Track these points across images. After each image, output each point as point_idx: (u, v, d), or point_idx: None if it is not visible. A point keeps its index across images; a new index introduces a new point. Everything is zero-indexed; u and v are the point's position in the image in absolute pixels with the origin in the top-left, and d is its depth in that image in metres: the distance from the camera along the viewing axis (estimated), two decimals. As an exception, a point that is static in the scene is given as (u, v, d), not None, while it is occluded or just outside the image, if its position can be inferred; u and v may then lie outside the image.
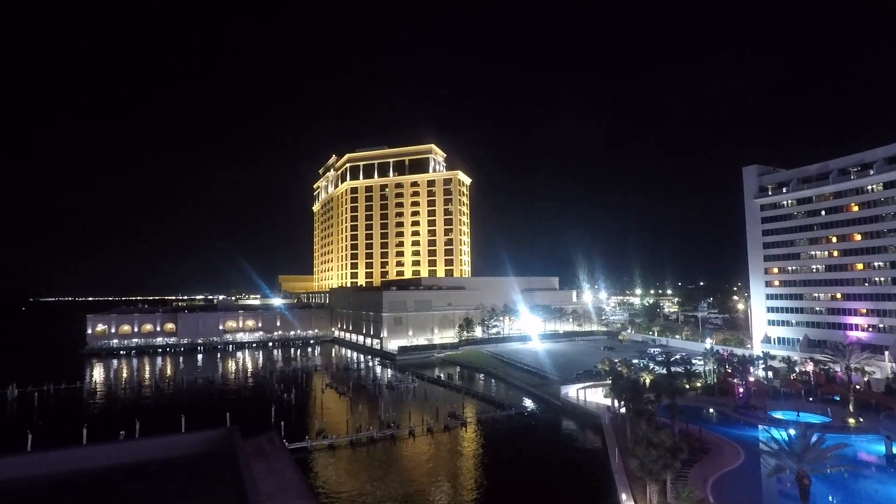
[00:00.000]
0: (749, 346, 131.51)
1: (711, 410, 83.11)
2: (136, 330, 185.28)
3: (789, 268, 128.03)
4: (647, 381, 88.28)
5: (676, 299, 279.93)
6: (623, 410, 72.00)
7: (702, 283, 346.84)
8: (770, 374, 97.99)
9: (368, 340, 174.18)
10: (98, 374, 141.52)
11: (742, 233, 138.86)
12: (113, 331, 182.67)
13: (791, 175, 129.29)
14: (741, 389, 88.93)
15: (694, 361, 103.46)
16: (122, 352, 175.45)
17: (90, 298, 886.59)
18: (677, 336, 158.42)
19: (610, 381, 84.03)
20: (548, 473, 63.31)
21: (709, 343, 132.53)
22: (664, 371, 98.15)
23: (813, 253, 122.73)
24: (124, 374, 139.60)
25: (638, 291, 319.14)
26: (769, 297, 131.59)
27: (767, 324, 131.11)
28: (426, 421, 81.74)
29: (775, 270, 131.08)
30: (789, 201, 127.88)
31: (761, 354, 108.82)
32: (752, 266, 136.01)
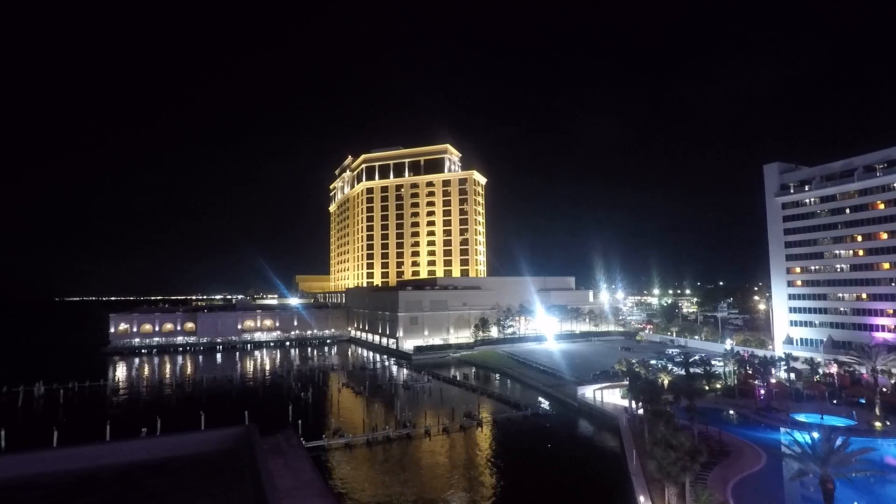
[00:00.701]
0: (770, 347, 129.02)
1: (732, 412, 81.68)
2: (157, 329, 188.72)
3: (812, 267, 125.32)
4: (666, 382, 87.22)
5: (695, 299, 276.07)
6: (641, 412, 71.24)
7: (721, 283, 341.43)
8: (792, 375, 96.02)
9: (384, 340, 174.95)
10: (120, 372, 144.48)
11: (763, 232, 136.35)
12: (135, 330, 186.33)
13: (814, 172, 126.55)
14: (762, 391, 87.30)
15: (713, 362, 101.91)
16: (143, 350, 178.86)
17: (113, 298, 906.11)
18: (696, 337, 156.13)
19: (627, 382, 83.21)
20: (564, 474, 62.89)
21: (729, 344, 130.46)
22: (683, 372, 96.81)
23: (837, 252, 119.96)
24: (146, 373, 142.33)
25: (656, 291, 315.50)
26: (791, 297, 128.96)
27: (790, 324, 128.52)
28: (442, 421, 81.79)
29: (798, 270, 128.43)
30: (812, 199, 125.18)
31: (783, 356, 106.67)
32: (774, 265, 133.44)
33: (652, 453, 49.37)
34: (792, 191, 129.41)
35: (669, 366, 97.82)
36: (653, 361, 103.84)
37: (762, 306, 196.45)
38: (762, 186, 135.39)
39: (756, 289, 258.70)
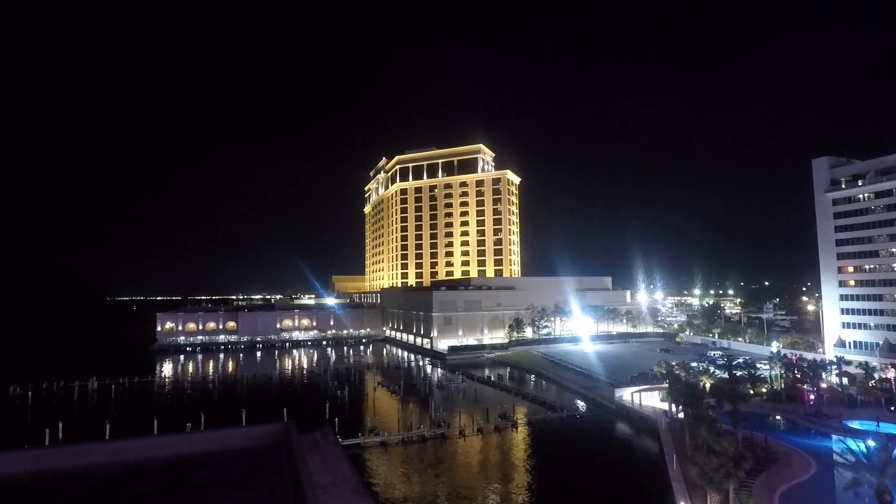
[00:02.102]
0: (820, 350, 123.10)
1: (779, 418, 78.32)
2: (200, 328, 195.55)
3: (866, 266, 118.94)
4: (707, 385, 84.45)
5: (739, 300, 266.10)
6: (681, 415, 69.25)
7: (766, 283, 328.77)
8: (845, 380, 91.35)
9: (419, 340, 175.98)
10: (167, 368, 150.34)
11: (812, 229, 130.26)
12: (180, 328, 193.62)
13: (867, 166, 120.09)
14: (812, 396, 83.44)
15: (759, 365, 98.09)
16: (188, 348, 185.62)
17: (159, 298, 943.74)
18: (740, 338, 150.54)
19: (667, 385, 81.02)
20: (601, 478, 61.76)
21: (775, 346, 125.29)
22: (726, 375, 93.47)
23: (894, 250, 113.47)
24: (190, 370, 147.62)
25: (697, 291, 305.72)
26: (843, 297, 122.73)
27: (841, 326, 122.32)
28: (476, 421, 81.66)
29: (850, 269, 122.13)
30: (866, 194, 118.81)
31: (834, 359, 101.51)
32: (824, 264, 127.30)
33: (693, 458, 47.88)
34: (843, 186, 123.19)
35: (711, 368, 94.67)
36: (693, 364, 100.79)
37: (811, 307, 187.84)
38: (810, 182, 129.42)
39: (805, 289, 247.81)
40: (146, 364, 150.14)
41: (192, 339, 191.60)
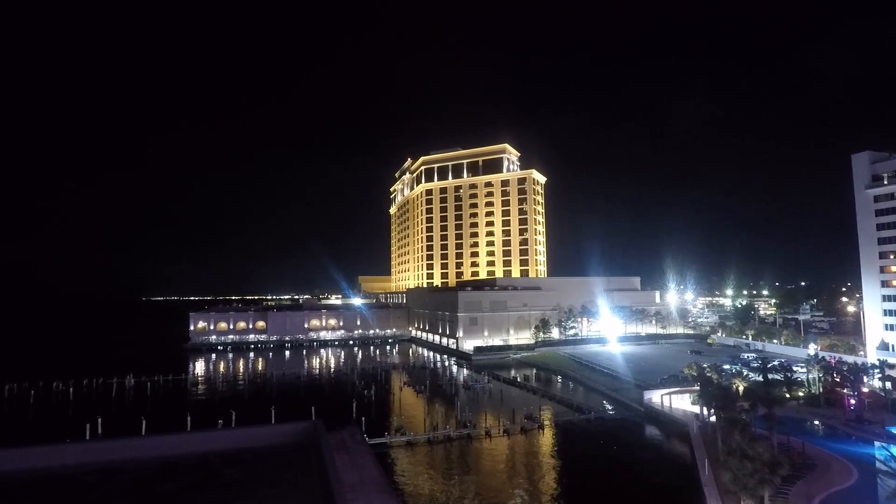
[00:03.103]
0: (861, 352, 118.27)
1: (817, 423, 75.63)
2: (231, 327, 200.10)
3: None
4: (741, 388, 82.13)
5: (773, 300, 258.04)
6: (713, 419, 67.53)
7: (803, 283, 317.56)
8: (888, 384, 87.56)
9: (444, 340, 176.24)
10: (199, 367, 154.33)
11: (852, 227, 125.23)
12: (211, 328, 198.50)
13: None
14: (852, 401, 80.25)
15: (795, 368, 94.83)
16: (219, 347, 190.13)
17: (192, 298, 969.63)
18: (775, 340, 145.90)
19: (698, 388, 79.13)
20: (631, 482, 60.70)
21: (812, 349, 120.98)
22: (760, 378, 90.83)
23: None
24: (221, 368, 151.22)
25: (729, 292, 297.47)
26: (887, 298, 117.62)
27: (884, 328, 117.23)
28: (502, 422, 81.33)
29: (893, 269, 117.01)
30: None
31: (877, 363, 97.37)
32: (865, 264, 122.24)
33: (726, 463, 46.64)
34: (886, 182, 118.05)
35: (745, 371, 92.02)
36: (726, 366, 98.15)
37: (851, 308, 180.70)
38: (850, 178, 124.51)
39: (844, 289, 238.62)
40: (180, 362, 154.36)
41: (223, 338, 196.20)
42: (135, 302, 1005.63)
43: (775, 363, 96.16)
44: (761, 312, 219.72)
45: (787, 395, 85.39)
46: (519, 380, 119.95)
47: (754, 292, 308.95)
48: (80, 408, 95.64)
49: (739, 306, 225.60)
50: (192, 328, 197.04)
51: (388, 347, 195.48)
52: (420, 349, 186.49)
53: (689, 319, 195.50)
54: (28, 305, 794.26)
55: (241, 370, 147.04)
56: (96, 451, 19.50)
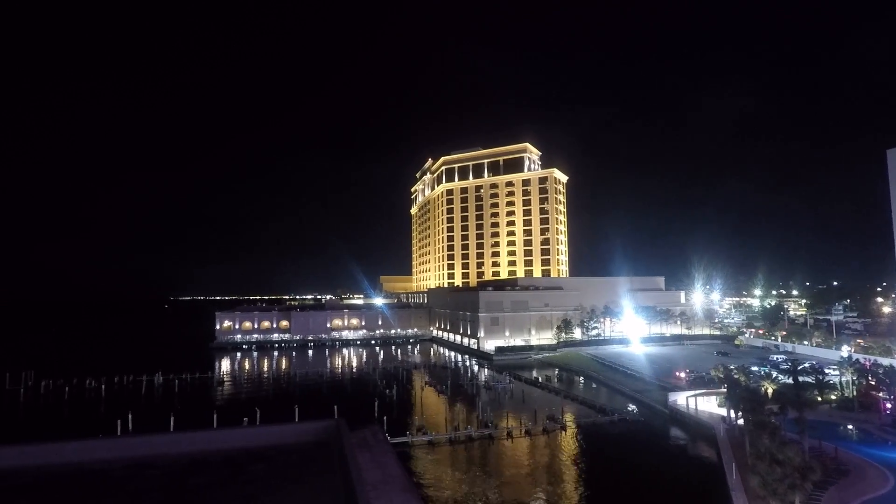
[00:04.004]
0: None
1: (850, 427, 73.21)
2: (255, 326, 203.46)
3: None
4: (770, 390, 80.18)
5: (804, 301, 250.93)
6: (740, 422, 65.99)
7: (835, 283, 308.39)
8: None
9: (465, 340, 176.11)
10: (225, 365, 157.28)
11: (887, 226, 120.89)
12: (237, 327, 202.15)
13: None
14: (889, 405, 77.49)
15: (827, 371, 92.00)
16: (244, 346, 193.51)
17: (218, 297, 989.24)
18: (805, 342, 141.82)
19: (725, 390, 77.42)
20: (656, 484, 59.72)
21: (846, 351, 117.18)
22: (790, 380, 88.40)
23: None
24: (246, 366, 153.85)
25: (757, 292, 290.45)
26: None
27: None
28: (524, 423, 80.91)
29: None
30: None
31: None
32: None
33: (755, 468, 45.54)
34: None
35: (774, 373, 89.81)
36: (754, 368, 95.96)
37: (887, 309, 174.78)
38: (885, 174, 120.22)
39: (880, 289, 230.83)
40: (206, 360, 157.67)
41: (247, 337, 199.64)
42: (162, 301, 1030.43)
43: (806, 365, 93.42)
44: (791, 313, 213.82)
45: (819, 399, 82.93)
46: (541, 380, 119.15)
47: (783, 292, 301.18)
48: (112, 404, 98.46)
49: (768, 306, 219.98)
50: (217, 327, 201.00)
51: (409, 347, 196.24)
52: (441, 349, 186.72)
53: (716, 320, 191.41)
54: (62, 306, 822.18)
55: (266, 369, 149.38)
56: (126, 446, 20.05)
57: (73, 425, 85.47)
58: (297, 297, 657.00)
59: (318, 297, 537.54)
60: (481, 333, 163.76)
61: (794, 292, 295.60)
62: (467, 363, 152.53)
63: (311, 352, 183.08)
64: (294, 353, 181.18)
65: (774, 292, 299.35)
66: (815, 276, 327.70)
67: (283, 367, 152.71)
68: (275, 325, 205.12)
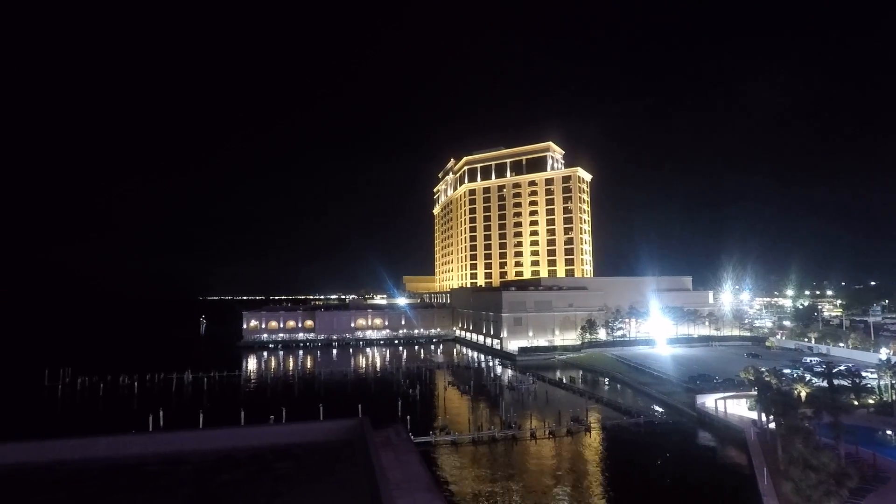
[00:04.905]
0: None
1: (889, 433, 70.51)
2: (281, 326, 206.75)
3: None
4: (803, 394, 77.84)
5: (839, 301, 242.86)
6: (772, 426, 64.25)
7: (873, 283, 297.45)
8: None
9: (488, 340, 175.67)
10: (252, 364, 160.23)
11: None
12: (263, 326, 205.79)
13: None
14: (930, 410, 74.39)
15: (864, 374, 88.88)
16: (270, 345, 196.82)
17: (245, 297, 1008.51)
18: (841, 344, 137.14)
19: (755, 392, 75.46)
20: (684, 489, 58.55)
21: (884, 353, 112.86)
22: (824, 383, 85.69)
23: None
24: (272, 365, 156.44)
25: (789, 292, 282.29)
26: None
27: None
28: (548, 424, 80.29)
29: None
30: None
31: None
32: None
33: (788, 473, 44.28)
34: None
35: (807, 376, 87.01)
36: (787, 370, 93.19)
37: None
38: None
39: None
40: (234, 359, 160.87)
41: (273, 336, 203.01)
42: (192, 301, 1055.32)
43: (842, 368, 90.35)
44: (826, 314, 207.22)
45: (856, 403, 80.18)
46: (564, 381, 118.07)
47: (818, 292, 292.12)
48: (144, 401, 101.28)
49: (801, 307, 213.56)
50: (244, 326, 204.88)
51: (432, 347, 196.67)
52: (464, 349, 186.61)
53: (745, 321, 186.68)
54: (96, 306, 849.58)
55: (291, 368, 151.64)
56: (159, 442, 20.65)
57: (107, 421, 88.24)
58: (322, 296, 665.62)
59: (343, 297, 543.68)
60: (504, 334, 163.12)
61: (829, 292, 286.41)
62: (490, 363, 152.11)
63: (335, 351, 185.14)
64: (319, 352, 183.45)
65: (808, 292, 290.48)
66: (852, 276, 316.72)
67: (308, 366, 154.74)
68: (300, 325, 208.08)
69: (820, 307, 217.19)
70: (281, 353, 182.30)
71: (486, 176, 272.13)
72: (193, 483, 17.18)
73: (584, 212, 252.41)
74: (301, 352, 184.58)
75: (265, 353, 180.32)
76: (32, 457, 18.78)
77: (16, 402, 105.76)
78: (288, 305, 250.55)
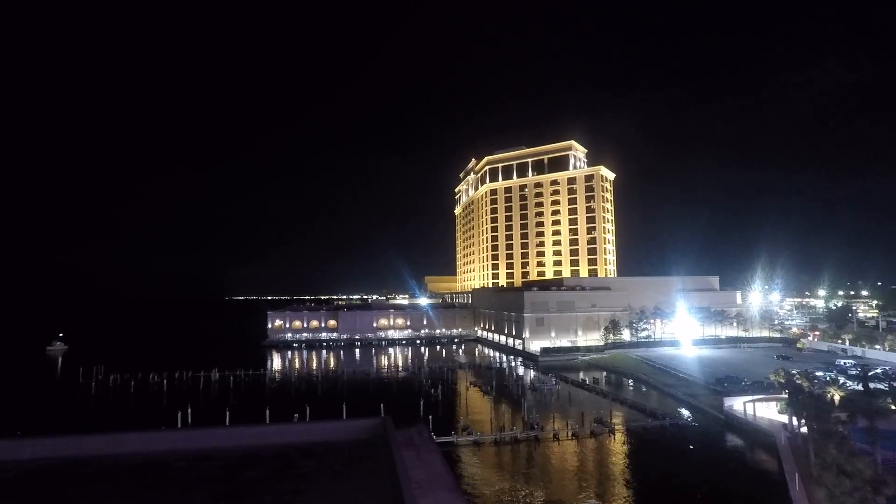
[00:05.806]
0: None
1: (929, 439, 67.76)
2: (305, 325, 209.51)
3: None
4: (836, 397, 75.36)
5: (875, 302, 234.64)
6: (803, 430, 62.41)
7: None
8: None
9: (510, 341, 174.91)
10: (276, 363, 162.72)
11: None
12: (287, 326, 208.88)
13: None
14: (974, 415, 71.21)
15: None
16: (294, 344, 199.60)
17: (269, 297, 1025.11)
18: (877, 346, 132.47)
19: (786, 395, 73.41)
20: (712, 494, 57.32)
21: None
22: (859, 387, 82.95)
23: None
24: (296, 364, 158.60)
25: (822, 292, 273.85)
26: None
27: None
28: (571, 425, 79.54)
29: None
30: None
31: None
32: None
33: (820, 479, 42.96)
34: None
35: (841, 379, 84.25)
36: (819, 373, 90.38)
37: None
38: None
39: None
40: (259, 358, 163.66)
41: (297, 335, 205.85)
42: (218, 301, 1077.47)
43: (878, 371, 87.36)
44: (860, 315, 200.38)
45: (893, 407, 77.19)
46: (588, 382, 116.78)
47: (852, 293, 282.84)
48: (173, 398, 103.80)
49: (834, 307, 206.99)
50: (269, 326, 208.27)
51: (454, 347, 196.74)
52: (486, 349, 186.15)
53: (775, 322, 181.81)
54: (126, 305, 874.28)
55: (315, 367, 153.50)
56: (187, 438, 21.12)
57: (138, 417, 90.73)
58: (345, 297, 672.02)
59: (365, 297, 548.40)
60: (526, 334, 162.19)
61: (864, 292, 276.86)
62: (512, 364, 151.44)
63: (357, 351, 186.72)
64: (342, 351, 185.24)
65: (841, 292, 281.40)
66: (889, 275, 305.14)
67: (331, 365, 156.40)
68: (323, 325, 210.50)
69: (854, 308, 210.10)
70: (305, 352, 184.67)
71: (507, 176, 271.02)
72: (219, 479, 17.51)
73: (608, 210, 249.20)
74: (324, 351, 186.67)
75: (289, 353, 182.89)
76: (69, 451, 19.43)
77: (52, 399, 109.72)
78: (311, 305, 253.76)
